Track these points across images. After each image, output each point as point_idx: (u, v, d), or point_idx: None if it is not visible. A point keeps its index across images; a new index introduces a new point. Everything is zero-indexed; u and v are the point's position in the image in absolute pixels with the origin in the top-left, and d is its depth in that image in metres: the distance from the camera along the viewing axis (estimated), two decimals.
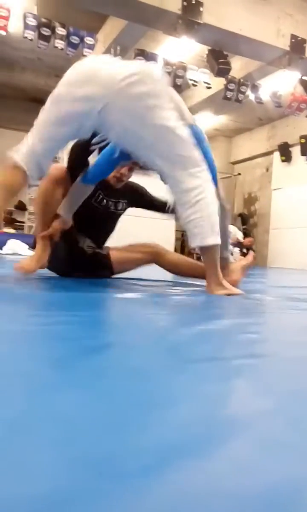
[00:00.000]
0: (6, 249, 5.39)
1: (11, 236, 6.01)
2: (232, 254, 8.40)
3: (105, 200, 1.97)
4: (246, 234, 8.70)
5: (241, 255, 7.68)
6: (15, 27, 4.86)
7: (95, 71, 1.45)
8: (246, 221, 9.59)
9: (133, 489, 0.26)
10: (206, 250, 1.56)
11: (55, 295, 1.39)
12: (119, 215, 2.10)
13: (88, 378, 0.49)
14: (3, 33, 4.73)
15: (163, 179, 1.60)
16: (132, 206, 2.11)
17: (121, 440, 0.33)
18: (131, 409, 0.40)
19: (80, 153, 1.77)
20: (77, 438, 0.33)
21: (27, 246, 5.11)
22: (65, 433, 0.34)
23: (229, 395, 0.48)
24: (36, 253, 1.80)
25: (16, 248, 5.33)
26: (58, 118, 1.45)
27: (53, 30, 4.89)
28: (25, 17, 4.75)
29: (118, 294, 1.50)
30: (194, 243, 1.53)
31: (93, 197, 1.90)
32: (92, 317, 0.99)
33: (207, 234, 1.50)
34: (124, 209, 2.09)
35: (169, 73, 5.74)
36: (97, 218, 1.98)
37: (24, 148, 1.47)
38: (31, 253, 2.10)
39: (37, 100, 8.76)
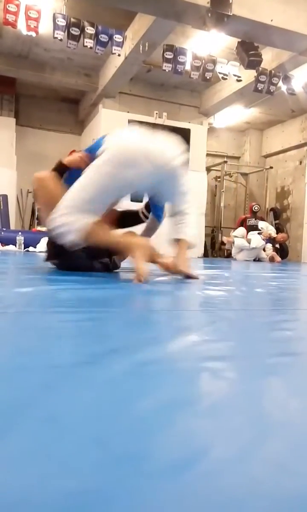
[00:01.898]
0: (40, 247, 5.51)
1: (44, 234, 6.13)
2: (264, 250, 8.17)
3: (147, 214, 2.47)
4: (279, 229, 8.52)
5: (274, 251, 7.53)
6: (45, 28, 4.94)
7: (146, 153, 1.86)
8: (278, 215, 9.38)
9: (167, 488, 0.26)
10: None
11: (85, 291, 1.41)
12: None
13: (125, 375, 0.49)
14: (34, 34, 4.81)
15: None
16: None
17: (156, 439, 0.33)
18: (166, 407, 0.40)
19: None
20: (114, 435, 0.34)
21: None
22: (103, 431, 0.34)
23: (264, 394, 0.47)
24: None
25: None
26: (114, 189, 1.89)
27: (82, 29, 4.93)
28: (54, 17, 4.81)
29: (142, 289, 1.51)
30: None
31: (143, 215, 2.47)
32: (122, 313, 1.00)
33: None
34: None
35: (198, 67, 5.69)
36: (138, 223, 2.49)
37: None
38: None
39: (68, 100, 8.90)
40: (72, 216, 1.79)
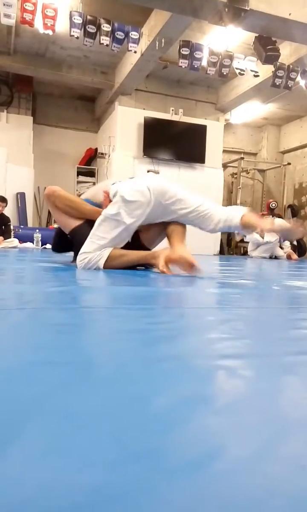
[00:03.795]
0: None
1: None
2: (282, 248, 7.99)
3: None
4: None
5: (291, 248, 7.43)
6: (61, 26, 4.96)
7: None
8: (296, 212, 9.27)
9: (183, 486, 0.26)
10: None
11: (100, 288, 1.42)
12: None
13: (141, 372, 0.49)
14: (51, 32, 4.84)
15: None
16: None
17: (172, 436, 0.33)
18: (182, 404, 0.40)
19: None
20: (130, 432, 0.33)
21: None
22: (119, 427, 0.34)
23: (281, 393, 0.46)
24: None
25: None
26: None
27: (98, 27, 4.94)
28: (71, 15, 4.83)
29: (164, 289, 1.51)
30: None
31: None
32: (137, 310, 1.00)
33: None
34: None
35: (215, 63, 5.65)
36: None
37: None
38: None
39: (84, 97, 8.92)
40: (94, 253, 2.10)
